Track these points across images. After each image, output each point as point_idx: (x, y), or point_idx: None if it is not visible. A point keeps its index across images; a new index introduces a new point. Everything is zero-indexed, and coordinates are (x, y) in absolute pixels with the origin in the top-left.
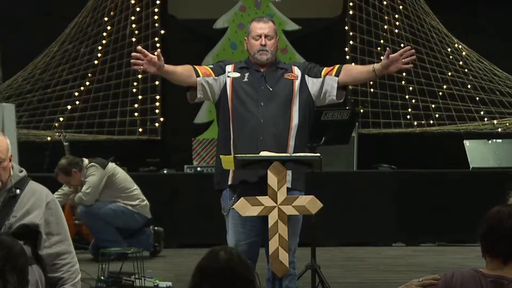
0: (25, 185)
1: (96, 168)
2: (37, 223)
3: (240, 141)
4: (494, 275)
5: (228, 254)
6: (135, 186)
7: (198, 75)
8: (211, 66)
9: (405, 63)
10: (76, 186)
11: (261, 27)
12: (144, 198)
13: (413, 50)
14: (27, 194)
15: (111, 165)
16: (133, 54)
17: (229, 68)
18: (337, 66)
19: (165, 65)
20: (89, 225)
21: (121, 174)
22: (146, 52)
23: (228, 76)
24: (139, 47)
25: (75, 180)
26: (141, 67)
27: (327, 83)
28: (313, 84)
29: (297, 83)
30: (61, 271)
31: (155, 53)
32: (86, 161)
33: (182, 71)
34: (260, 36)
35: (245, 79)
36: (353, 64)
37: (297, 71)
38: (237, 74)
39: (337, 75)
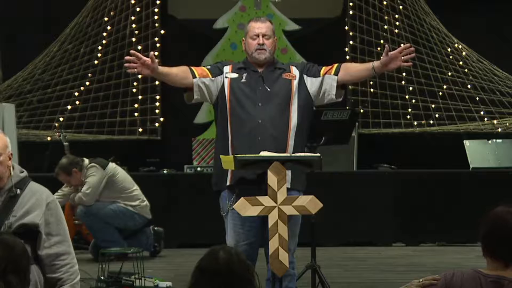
0: (26, 185)
1: (96, 169)
2: (37, 222)
3: (238, 142)
4: (494, 275)
5: (227, 254)
6: (135, 187)
7: (194, 76)
8: (208, 67)
9: (404, 60)
10: (77, 186)
11: (259, 27)
12: (144, 198)
13: (412, 48)
14: (27, 194)
15: (111, 166)
16: (127, 58)
17: (227, 69)
18: (336, 64)
19: (160, 67)
20: (89, 225)
21: (121, 174)
22: (140, 55)
23: (226, 77)
24: (132, 51)
25: (75, 179)
26: (135, 70)
27: (326, 82)
28: (312, 84)
29: (295, 82)
30: (60, 272)
31: (149, 55)
32: (86, 161)
33: (178, 72)
34: (257, 35)
35: (243, 80)
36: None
37: (295, 70)
38: (235, 75)
39: (336, 73)
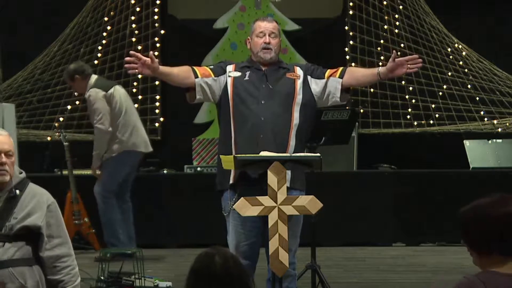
0: (25, 186)
1: (99, 93)
2: (39, 225)
3: (240, 138)
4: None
5: (223, 259)
6: (133, 117)
7: (196, 76)
8: (211, 66)
9: (410, 68)
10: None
11: (266, 26)
12: (133, 131)
13: (420, 59)
14: (27, 196)
15: (111, 91)
16: (127, 59)
17: (230, 68)
18: (341, 68)
19: (161, 67)
20: (103, 213)
21: (120, 102)
22: (139, 55)
23: (229, 76)
24: (132, 52)
25: (78, 87)
26: (136, 70)
27: (330, 85)
28: (316, 85)
29: (299, 82)
30: (61, 274)
31: (149, 55)
32: (94, 78)
33: (179, 72)
34: (264, 34)
35: (246, 78)
36: (354, 65)
37: (299, 71)
38: (238, 73)
39: (341, 77)
